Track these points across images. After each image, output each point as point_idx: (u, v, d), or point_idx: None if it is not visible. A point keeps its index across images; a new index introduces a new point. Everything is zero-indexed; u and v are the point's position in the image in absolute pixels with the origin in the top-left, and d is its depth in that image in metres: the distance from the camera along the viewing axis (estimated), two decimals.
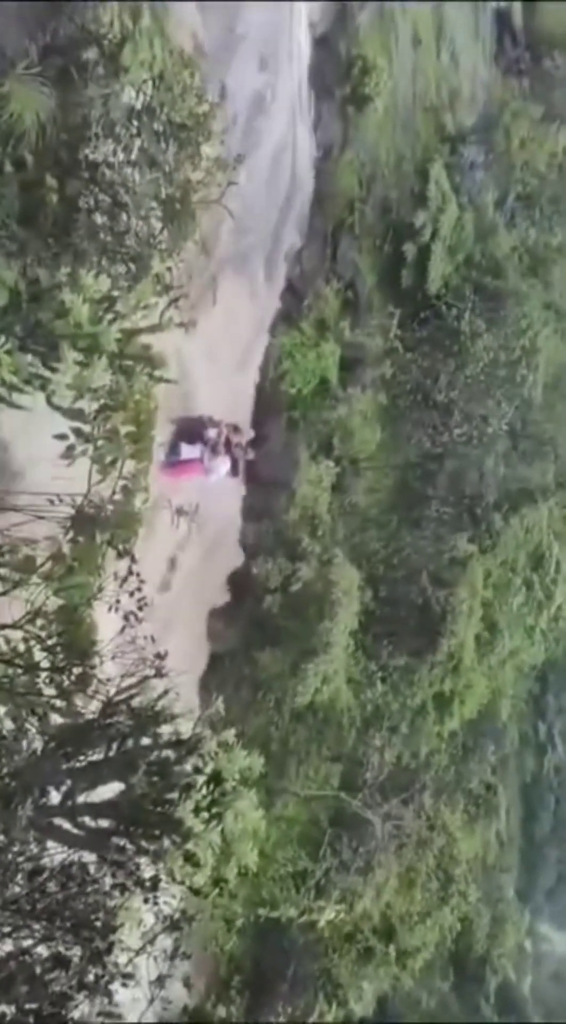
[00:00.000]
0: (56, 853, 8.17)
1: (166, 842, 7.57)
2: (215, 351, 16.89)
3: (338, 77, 19.49)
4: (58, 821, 8.30)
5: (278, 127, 17.55)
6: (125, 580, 8.91)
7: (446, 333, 23.23)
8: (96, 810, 8.24)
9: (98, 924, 7.69)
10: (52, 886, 7.92)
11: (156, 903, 7.56)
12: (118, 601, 8.93)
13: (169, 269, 9.63)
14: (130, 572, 8.97)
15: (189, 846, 7.54)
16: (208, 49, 12.50)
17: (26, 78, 8.47)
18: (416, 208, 22.60)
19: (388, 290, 22.95)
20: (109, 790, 8.36)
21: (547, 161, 26.96)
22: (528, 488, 26.70)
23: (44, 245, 9.34)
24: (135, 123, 9.57)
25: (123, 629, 9.11)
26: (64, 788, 8.40)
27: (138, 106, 9.48)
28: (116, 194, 9.59)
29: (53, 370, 8.24)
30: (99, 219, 9.62)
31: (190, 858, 7.58)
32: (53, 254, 9.31)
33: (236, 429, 17.18)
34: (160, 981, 8.51)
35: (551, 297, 27.43)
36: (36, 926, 7.81)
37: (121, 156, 9.55)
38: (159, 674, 8.61)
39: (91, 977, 7.44)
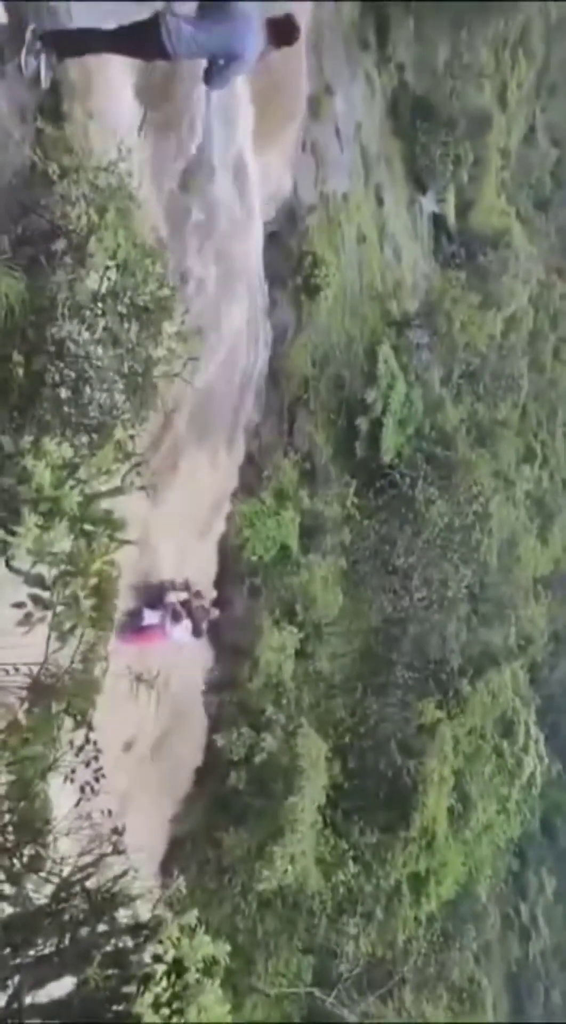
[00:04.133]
0: None
1: None
2: (177, 518, 17.11)
3: (290, 269, 21.06)
4: None
5: (236, 313, 18.70)
6: (81, 749, 8.54)
7: (401, 500, 24.00)
8: (45, 1011, 7.42)
9: None
10: None
11: None
12: (74, 771, 8.52)
13: (131, 437, 9.89)
14: (87, 741, 8.62)
15: None
16: (169, 242, 13.55)
17: None
18: (367, 385, 23.93)
19: (344, 461, 23.85)
20: (59, 987, 7.60)
21: (487, 342, 29.04)
22: (491, 651, 26.80)
23: (9, 417, 9.60)
24: (100, 305, 10.09)
25: (79, 802, 8.64)
26: (10, 988, 7.61)
27: (103, 290, 10.03)
28: (80, 369, 9.97)
29: (13, 534, 8.23)
30: (63, 393, 9.96)
31: None
32: (17, 425, 9.55)
33: (198, 594, 17.16)
34: None
35: (499, 466, 28.80)
36: None
37: (86, 335, 10.00)
38: (117, 851, 8.08)
39: None
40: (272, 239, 20.43)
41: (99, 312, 10.04)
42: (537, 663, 33.76)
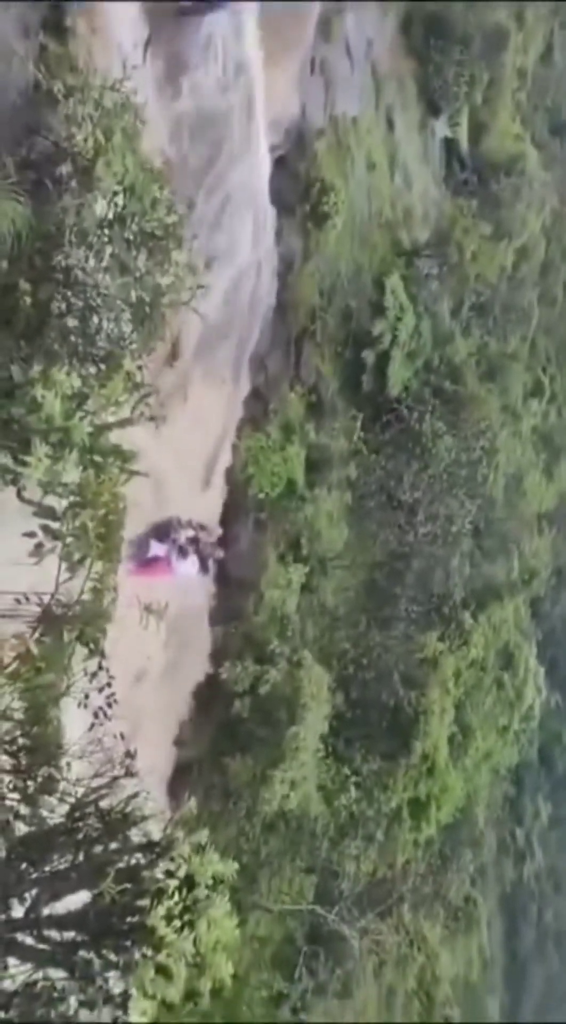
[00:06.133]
0: (18, 973, 7.66)
1: (137, 954, 7.14)
2: (184, 452, 17.09)
3: (298, 196, 20.54)
4: (20, 936, 7.81)
5: (242, 242, 18.33)
6: (94, 676, 8.73)
7: (408, 435, 23.86)
8: (62, 922, 7.76)
9: None
10: (13, 1011, 7.39)
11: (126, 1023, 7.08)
12: (87, 696, 8.72)
13: (140, 368, 9.83)
14: (100, 667, 8.80)
15: (161, 957, 7.12)
16: (175, 166, 13.22)
17: (2, 188, 8.83)
18: (375, 317, 23.55)
19: (350, 394, 23.64)
20: (76, 900, 7.93)
21: (498, 273, 28.43)
22: (494, 585, 26.97)
23: (16, 346, 9.52)
24: (107, 231, 9.92)
25: (92, 726, 8.87)
26: (28, 900, 7.94)
27: (110, 216, 9.85)
28: (88, 298, 9.84)
29: (24, 464, 8.25)
30: (71, 322, 9.86)
31: (162, 970, 7.15)
32: (26, 355, 9.47)
33: (203, 528, 17.25)
34: None
35: (508, 400, 28.51)
36: None
37: (93, 262, 9.85)
38: (129, 773, 8.33)
39: None
40: (279, 165, 19.91)
41: (106, 239, 9.87)
42: (539, 597, 34.05)
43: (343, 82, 22.74)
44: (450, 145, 29.12)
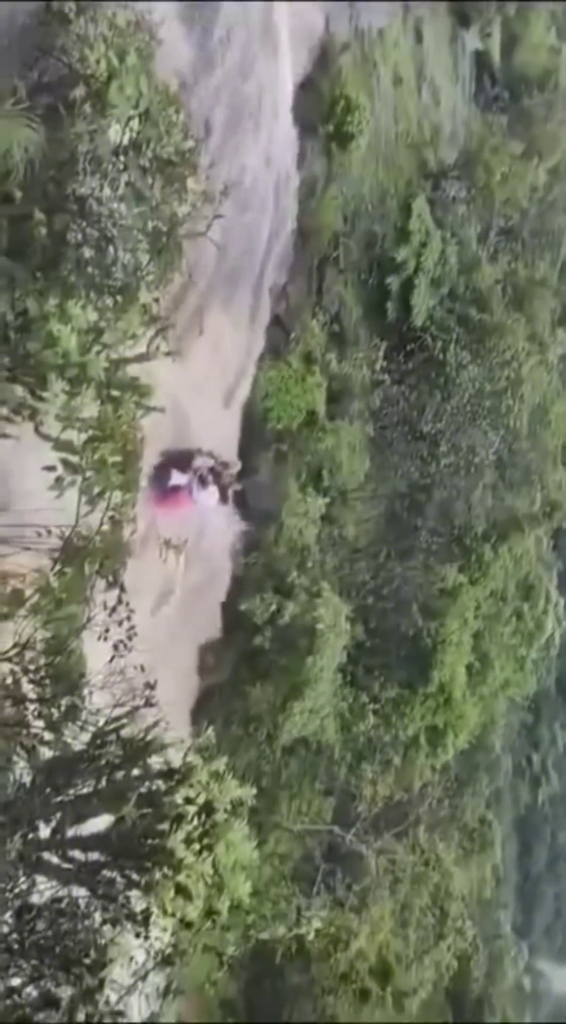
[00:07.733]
0: (46, 889, 8.04)
1: (157, 874, 7.46)
2: (203, 383, 16.98)
3: (321, 115, 19.81)
4: (47, 856, 8.17)
5: (262, 165, 17.83)
6: (114, 609, 8.89)
7: (432, 364, 23.42)
8: (86, 843, 8.12)
9: (88, 961, 7.54)
10: (41, 923, 7.77)
11: (147, 938, 7.44)
12: (107, 630, 8.91)
13: (156, 300, 9.72)
14: (120, 601, 8.95)
15: (181, 878, 7.44)
16: (193, 87, 12.79)
17: (14, 114, 8.62)
18: (399, 242, 22.90)
19: (373, 323, 23.18)
20: (99, 823, 8.26)
21: (528, 196, 27.45)
22: (516, 517, 26.80)
23: (32, 278, 9.42)
24: (122, 158, 9.71)
25: (113, 659, 9.08)
26: (53, 822, 8.28)
27: (125, 142, 9.62)
28: (103, 228, 9.68)
29: (41, 399, 8.26)
30: (86, 253, 9.71)
31: (182, 890, 7.47)
32: (41, 288, 9.38)
33: (225, 466, 17.28)
34: (152, 1019, 8.35)
35: (535, 329, 27.78)
36: (25, 965, 7.66)
37: (108, 191, 9.66)
38: (149, 703, 8.56)
39: (81, 1016, 7.29)
40: (303, 84, 19.18)
41: (121, 166, 9.65)
42: (561, 529, 33.86)
43: None
44: (481, 58, 27.81)
